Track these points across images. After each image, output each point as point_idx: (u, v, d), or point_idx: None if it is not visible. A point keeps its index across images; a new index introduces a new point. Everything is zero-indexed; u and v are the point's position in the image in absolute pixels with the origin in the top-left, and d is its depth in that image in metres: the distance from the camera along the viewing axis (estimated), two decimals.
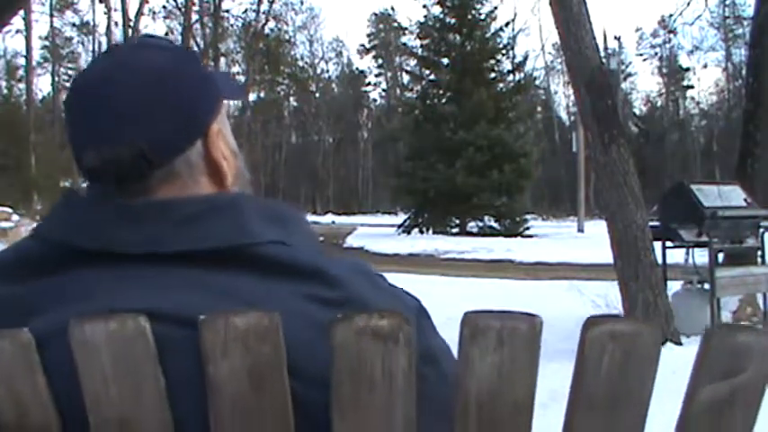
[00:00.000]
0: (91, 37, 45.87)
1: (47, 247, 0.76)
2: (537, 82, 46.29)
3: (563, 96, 53.68)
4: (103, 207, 0.75)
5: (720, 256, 6.21)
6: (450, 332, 0.77)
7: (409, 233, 23.41)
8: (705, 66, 64.11)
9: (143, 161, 0.76)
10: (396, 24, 51.49)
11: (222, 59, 38.81)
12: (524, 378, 0.65)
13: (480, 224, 23.62)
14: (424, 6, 26.02)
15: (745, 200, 6.12)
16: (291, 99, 58.25)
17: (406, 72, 35.91)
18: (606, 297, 5.80)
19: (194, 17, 35.67)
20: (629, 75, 53.50)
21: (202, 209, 0.75)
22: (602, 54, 11.66)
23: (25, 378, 0.66)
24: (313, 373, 0.67)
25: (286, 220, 0.80)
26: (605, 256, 6.15)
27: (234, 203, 0.77)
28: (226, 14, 37.33)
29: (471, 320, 0.64)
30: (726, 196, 6.02)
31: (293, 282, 0.72)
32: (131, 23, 32.54)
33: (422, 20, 26.70)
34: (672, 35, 48.21)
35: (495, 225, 23.30)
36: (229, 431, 0.65)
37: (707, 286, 5.82)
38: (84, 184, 0.82)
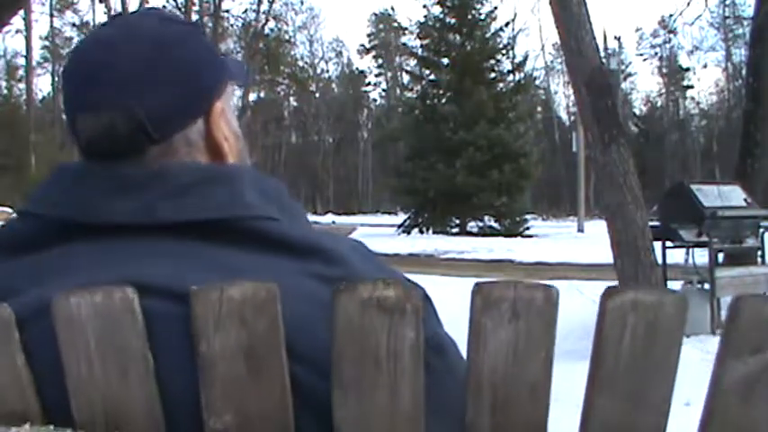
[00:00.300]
0: None
1: (32, 222, 0.71)
2: (537, 82, 46.31)
3: (563, 96, 53.73)
4: (93, 177, 0.71)
5: (720, 256, 6.21)
6: (451, 335, 0.77)
7: (409, 233, 23.40)
8: (705, 66, 64.21)
9: (141, 134, 0.72)
10: (396, 24, 51.52)
11: None
12: (541, 355, 0.60)
13: (480, 224, 23.61)
14: (424, 6, 26.02)
15: (745, 200, 6.12)
16: (291, 99, 58.25)
17: (406, 72, 35.89)
18: None
19: (194, 17, 35.68)
20: (629, 75, 53.53)
21: (198, 178, 0.71)
22: (602, 54, 11.66)
23: (4, 359, 0.61)
24: (314, 354, 0.62)
25: (284, 200, 0.76)
26: (605, 256, 6.15)
27: (232, 174, 0.73)
28: (226, 14, 37.36)
29: (484, 290, 0.59)
30: (726, 196, 6.03)
31: (292, 257, 0.68)
32: None
33: (422, 20, 26.70)
34: (672, 35, 48.25)
35: (495, 225, 23.29)
36: (222, 414, 0.60)
37: (707, 286, 5.82)
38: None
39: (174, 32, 0.77)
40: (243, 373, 0.60)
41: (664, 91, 54.29)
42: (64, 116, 0.79)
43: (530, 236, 22.47)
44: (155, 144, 0.73)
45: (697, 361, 3.02)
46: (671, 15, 38.46)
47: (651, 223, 5.70)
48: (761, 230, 6.14)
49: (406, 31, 34.72)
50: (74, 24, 46.07)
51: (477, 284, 0.59)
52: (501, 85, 25.38)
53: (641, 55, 55.26)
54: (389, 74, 57.95)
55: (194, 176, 0.71)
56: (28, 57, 36.10)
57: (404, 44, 36.29)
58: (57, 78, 45.66)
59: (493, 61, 25.56)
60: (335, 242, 0.72)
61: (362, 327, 0.58)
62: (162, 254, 0.67)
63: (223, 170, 0.74)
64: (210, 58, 0.80)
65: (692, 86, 53.20)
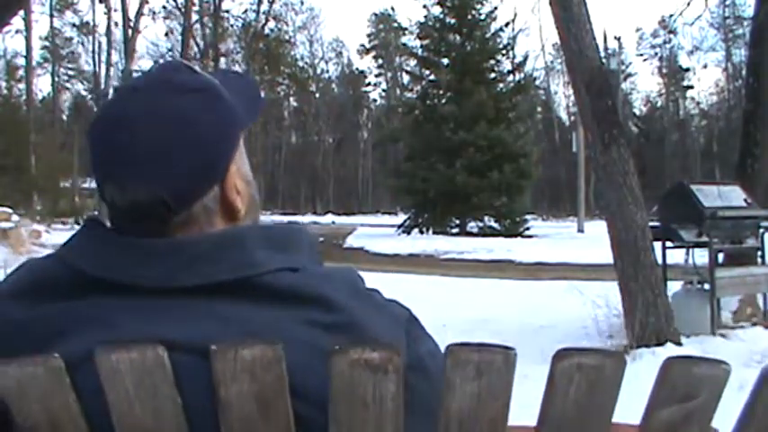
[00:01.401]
0: (91, 37, 45.85)
1: (64, 271, 0.81)
2: (537, 82, 46.34)
3: (563, 96, 53.74)
4: (123, 246, 0.80)
5: (720, 257, 6.21)
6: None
7: (409, 233, 23.41)
8: (705, 66, 64.04)
9: (162, 207, 0.80)
10: (396, 24, 51.54)
11: (222, 59, 38.78)
12: (499, 400, 0.72)
13: (480, 224, 23.62)
14: (424, 6, 26.05)
15: (745, 200, 6.12)
16: (291, 99, 58.27)
17: (406, 72, 35.92)
18: (606, 297, 5.80)
19: (194, 17, 35.67)
20: (629, 75, 53.52)
21: (211, 247, 0.80)
22: (602, 54, 11.65)
23: (59, 398, 0.75)
24: (314, 394, 0.73)
25: (288, 242, 0.85)
26: (605, 256, 6.15)
27: (239, 238, 0.82)
28: (226, 14, 37.36)
29: (454, 353, 0.71)
30: (726, 196, 6.03)
31: (296, 308, 0.78)
32: (131, 23, 32.58)
33: (422, 20, 26.73)
34: (672, 35, 48.28)
35: (495, 225, 23.30)
36: None
37: (707, 286, 5.82)
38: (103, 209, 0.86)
39: (188, 106, 0.82)
40: (254, 413, 0.73)
41: (664, 91, 54.31)
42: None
43: (530, 236, 22.48)
44: (176, 215, 0.82)
45: None
46: (671, 15, 38.53)
47: (651, 223, 5.69)
48: (761, 230, 6.14)
49: (406, 32, 34.71)
50: (74, 24, 46.11)
51: (447, 347, 0.72)
52: (501, 85, 25.40)
53: (641, 55, 55.33)
54: (389, 74, 57.97)
55: (208, 245, 0.80)
56: (28, 57, 36.07)
57: (404, 44, 36.27)
58: (57, 78, 45.69)
59: (493, 61, 25.58)
60: (334, 289, 0.81)
61: (353, 380, 0.71)
62: (184, 313, 0.77)
63: (232, 235, 0.82)
64: (226, 122, 0.85)
65: (692, 86, 53.26)
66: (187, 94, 0.83)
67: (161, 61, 0.97)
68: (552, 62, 51.74)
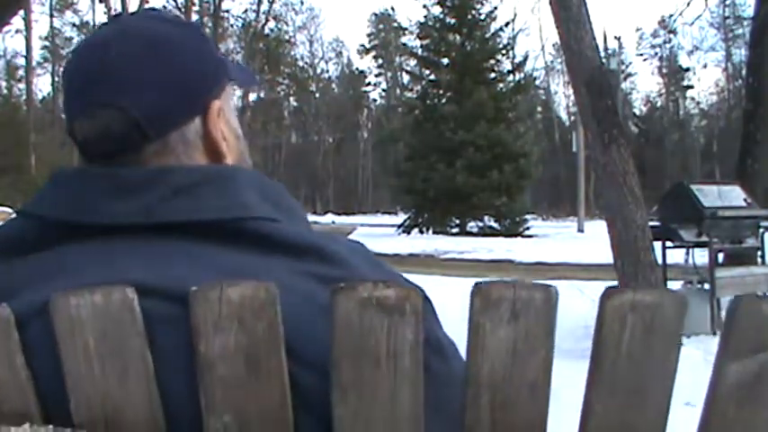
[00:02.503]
0: None
1: (31, 223, 0.72)
2: (537, 82, 46.31)
3: (563, 96, 53.73)
4: (91, 179, 0.71)
5: (720, 256, 6.21)
6: (451, 335, 0.77)
7: (409, 233, 23.39)
8: (705, 66, 64.25)
9: (137, 132, 0.72)
10: (396, 24, 51.52)
11: None
12: (540, 355, 0.60)
13: (480, 224, 23.61)
14: (424, 6, 26.02)
15: (745, 200, 6.11)
16: (291, 99, 58.24)
17: (406, 72, 35.89)
18: None
19: (194, 17, 35.67)
20: (629, 75, 53.49)
21: (196, 179, 0.71)
22: (602, 54, 11.65)
23: (3, 359, 0.62)
24: (313, 355, 0.62)
25: (283, 200, 0.76)
26: (605, 256, 6.15)
27: (230, 175, 0.73)
28: (226, 14, 37.41)
29: (483, 291, 0.58)
30: (726, 196, 6.02)
31: (290, 258, 0.68)
32: None
33: (422, 20, 26.70)
34: (672, 35, 48.24)
35: (495, 225, 23.29)
36: (221, 414, 0.60)
37: (707, 286, 5.82)
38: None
39: (169, 31, 0.77)
40: (242, 373, 0.59)
41: (664, 91, 54.28)
42: (63, 116, 0.79)
43: (530, 236, 22.47)
44: (151, 142, 0.73)
45: (697, 361, 3.03)
46: (671, 15, 38.44)
47: (651, 223, 5.69)
48: (761, 230, 6.14)
49: (406, 32, 34.76)
50: (74, 24, 46.10)
51: (476, 285, 0.59)
52: (501, 85, 25.37)
53: (641, 55, 55.30)
54: (389, 74, 57.94)
55: (192, 178, 0.71)
56: (28, 57, 36.10)
57: (404, 44, 36.29)
58: (57, 78, 45.66)
59: (493, 61, 25.56)
60: (334, 243, 0.72)
61: (361, 326, 0.58)
62: (160, 255, 0.67)
63: (220, 171, 0.74)
64: (208, 57, 0.80)
65: (692, 86, 53.20)
66: (170, 23, 0.79)
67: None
68: (552, 62, 51.76)
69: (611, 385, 0.61)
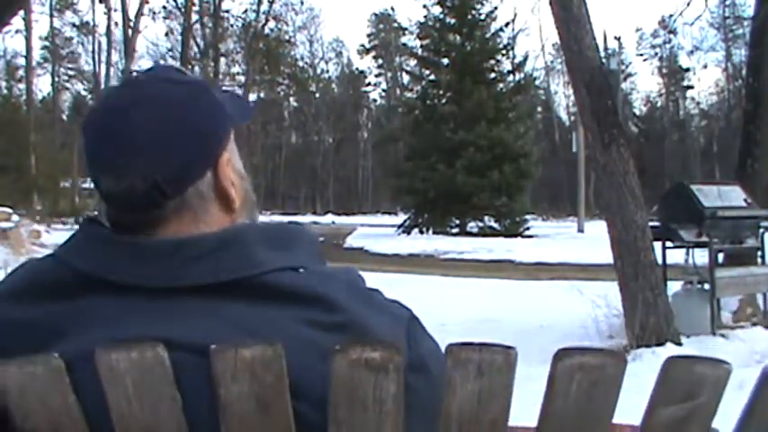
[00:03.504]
0: (91, 37, 45.72)
1: (64, 272, 0.81)
2: (537, 82, 46.20)
3: (563, 96, 53.72)
4: (122, 242, 0.82)
5: (720, 256, 6.21)
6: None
7: (409, 233, 23.40)
8: (705, 66, 63.98)
9: (157, 192, 0.81)
10: (396, 24, 51.56)
11: (222, 59, 38.79)
12: (500, 401, 0.72)
13: (480, 224, 23.61)
14: (424, 6, 26.06)
15: (745, 200, 6.11)
16: (291, 99, 58.23)
17: (406, 72, 35.93)
18: (606, 297, 5.80)
19: (194, 17, 35.66)
20: (629, 75, 53.49)
21: (213, 246, 0.81)
22: (602, 54, 11.65)
23: (59, 398, 0.75)
24: (314, 394, 0.74)
25: (289, 241, 0.86)
26: (605, 256, 6.15)
27: (240, 237, 0.83)
28: (226, 14, 37.33)
29: (454, 352, 0.71)
30: (726, 196, 6.02)
31: (296, 308, 0.79)
32: (131, 23, 32.54)
33: (422, 20, 26.76)
34: (672, 35, 48.26)
35: (495, 225, 23.30)
36: None
37: (707, 286, 5.82)
38: (100, 206, 0.87)
39: (181, 94, 0.86)
40: (254, 412, 0.73)
41: (664, 91, 54.29)
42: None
43: (530, 236, 22.47)
44: (170, 199, 0.83)
45: None
46: (671, 15, 38.51)
47: (651, 223, 5.69)
48: (761, 230, 6.14)
49: (406, 32, 34.79)
50: (74, 24, 46.05)
51: (448, 346, 0.71)
52: (501, 85, 25.39)
53: (641, 55, 55.31)
54: (389, 74, 57.94)
55: (209, 244, 0.81)
56: (28, 57, 36.06)
57: (404, 44, 36.33)
58: (57, 78, 45.67)
59: (493, 61, 25.57)
60: (335, 290, 0.82)
61: (353, 381, 0.71)
62: (184, 313, 0.78)
63: (233, 234, 0.83)
64: (218, 114, 0.88)
65: (692, 86, 53.22)
66: (178, 85, 0.87)
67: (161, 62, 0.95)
68: (552, 62, 51.75)
69: (559, 422, 0.73)
